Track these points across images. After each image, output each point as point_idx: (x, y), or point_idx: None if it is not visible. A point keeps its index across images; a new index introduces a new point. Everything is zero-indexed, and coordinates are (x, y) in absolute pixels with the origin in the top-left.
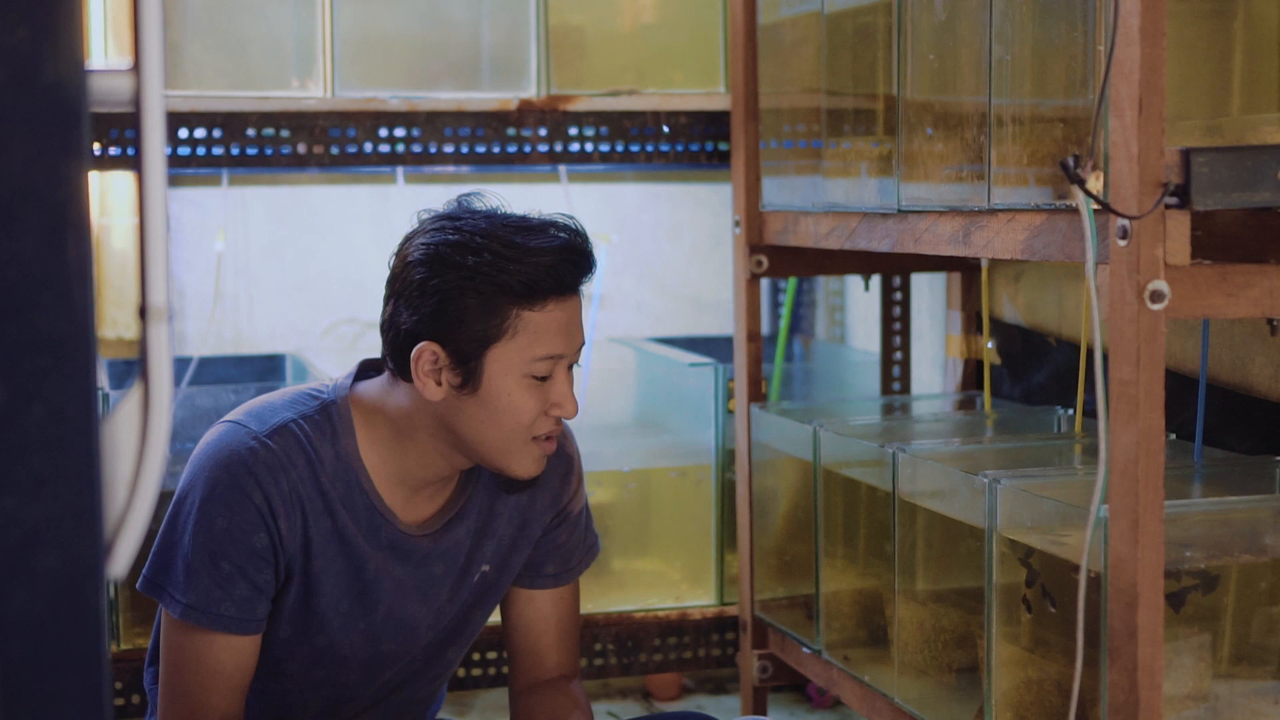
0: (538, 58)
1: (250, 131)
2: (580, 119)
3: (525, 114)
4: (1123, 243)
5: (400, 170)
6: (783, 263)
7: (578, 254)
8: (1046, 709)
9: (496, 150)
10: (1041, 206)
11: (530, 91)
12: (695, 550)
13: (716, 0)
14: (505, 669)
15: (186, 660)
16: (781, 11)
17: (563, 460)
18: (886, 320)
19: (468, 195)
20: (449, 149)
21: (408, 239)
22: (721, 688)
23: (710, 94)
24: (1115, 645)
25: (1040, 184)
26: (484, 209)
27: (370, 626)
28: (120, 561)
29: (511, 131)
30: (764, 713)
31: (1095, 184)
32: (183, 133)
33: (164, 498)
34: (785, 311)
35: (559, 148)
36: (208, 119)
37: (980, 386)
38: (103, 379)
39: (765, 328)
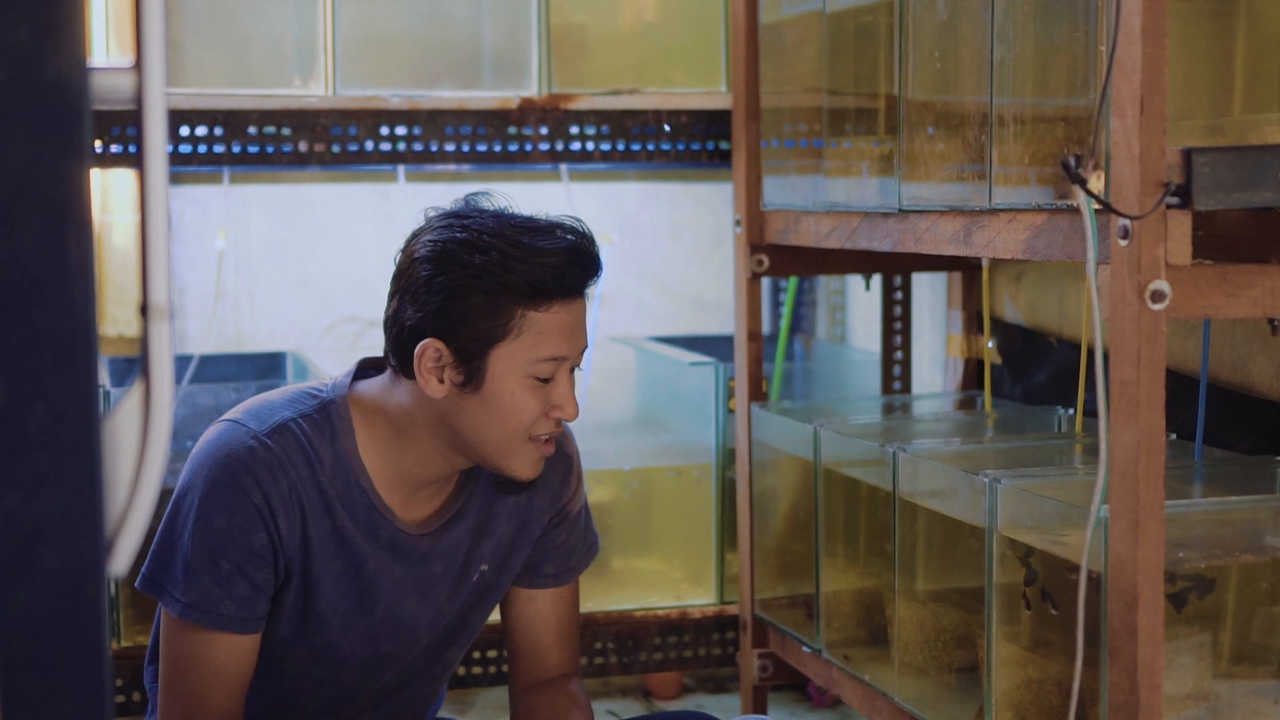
0: (539, 56)
1: (251, 130)
2: (581, 118)
3: (526, 113)
4: (1124, 242)
5: (401, 169)
6: (784, 262)
7: (584, 256)
8: (1046, 709)
9: (498, 149)
10: (1043, 206)
11: (531, 90)
12: (695, 549)
13: None
14: (505, 668)
15: (186, 659)
16: (783, 11)
17: (562, 460)
18: (887, 320)
19: (475, 194)
20: (450, 148)
21: (414, 236)
22: (722, 687)
23: (711, 93)
24: (1115, 645)
25: (1041, 184)
26: (491, 208)
27: (369, 626)
28: (121, 559)
29: (513, 130)
30: (764, 712)
31: (1096, 184)
32: (184, 130)
33: (163, 496)
34: (786, 311)
35: (560, 146)
36: (209, 117)
37: (981, 386)
38: (104, 377)
39: (766, 327)
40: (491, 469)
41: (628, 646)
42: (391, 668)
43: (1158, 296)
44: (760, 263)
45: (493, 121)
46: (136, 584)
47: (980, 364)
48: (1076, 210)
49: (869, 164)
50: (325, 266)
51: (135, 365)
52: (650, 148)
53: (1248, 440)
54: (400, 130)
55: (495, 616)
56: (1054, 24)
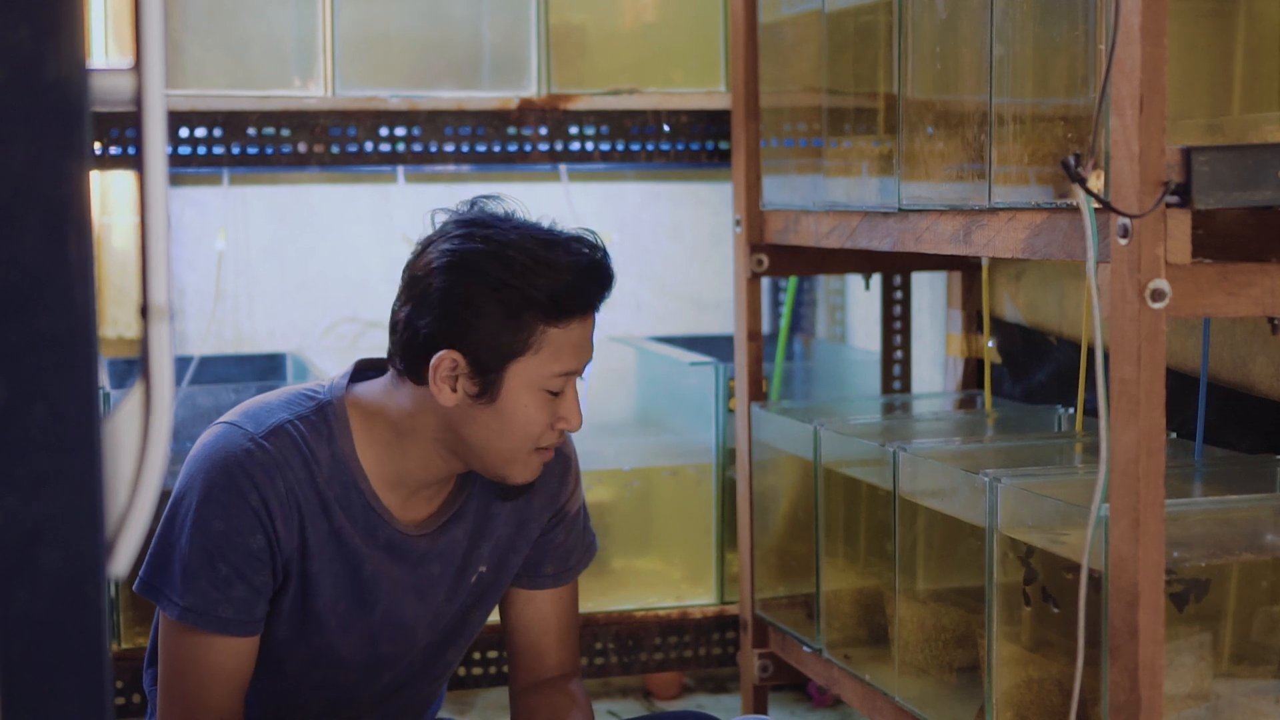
0: (538, 57)
1: (251, 131)
2: (581, 118)
3: (526, 113)
4: (1124, 241)
5: (401, 169)
6: (783, 262)
7: (603, 272)
8: (1047, 708)
9: (497, 149)
10: (1042, 205)
11: (531, 90)
12: (696, 549)
13: None
14: (505, 668)
15: (185, 662)
16: (782, 10)
17: (559, 461)
18: (887, 319)
19: (484, 198)
20: (449, 148)
21: (429, 243)
22: (722, 687)
23: (711, 93)
24: (1116, 644)
25: (1041, 183)
26: (502, 213)
27: (368, 627)
28: (122, 560)
29: (512, 130)
30: (764, 712)
31: (1096, 183)
32: (183, 132)
33: (162, 497)
34: (786, 310)
35: (559, 147)
36: (208, 118)
37: (981, 385)
38: (104, 378)
39: (766, 327)
40: (491, 476)
41: (628, 646)
42: (391, 669)
43: (1158, 295)
44: (760, 262)
45: (492, 122)
46: (134, 588)
47: (980, 363)
48: (1076, 209)
49: (869, 163)
50: (325, 267)
51: (135, 366)
52: (650, 148)
53: (1248, 439)
54: (400, 131)
55: (494, 617)
56: (1053, 23)
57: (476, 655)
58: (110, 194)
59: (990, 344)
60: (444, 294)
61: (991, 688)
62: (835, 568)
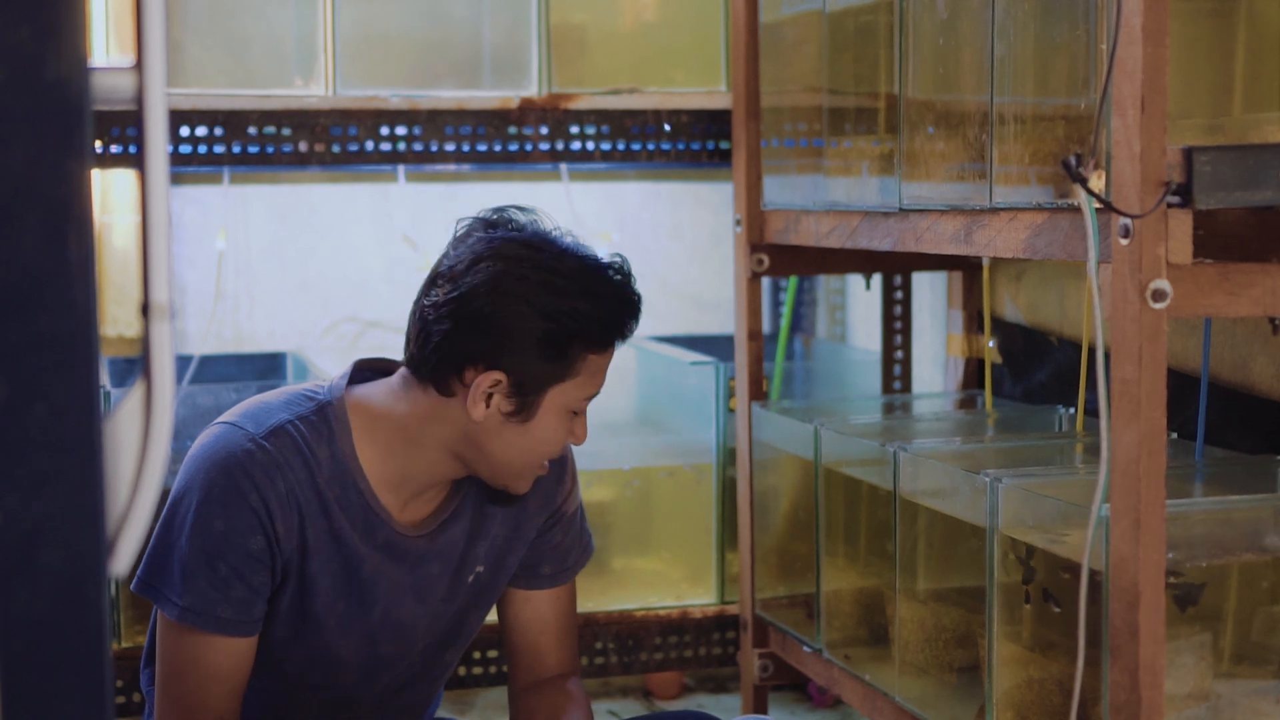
0: (539, 56)
1: (251, 130)
2: (581, 117)
3: (526, 112)
4: (1125, 241)
5: (401, 169)
6: (784, 261)
7: (639, 300)
8: (1048, 708)
9: (498, 149)
10: (1043, 205)
11: (531, 90)
12: (696, 549)
13: None
14: (505, 668)
15: (183, 662)
16: (783, 10)
17: (557, 461)
18: (887, 319)
19: (506, 208)
20: (450, 147)
21: (474, 261)
22: (722, 686)
23: (711, 92)
24: (1117, 644)
25: (1042, 183)
26: (531, 228)
27: (367, 628)
28: (122, 559)
29: (513, 130)
30: (765, 712)
31: (1097, 183)
32: (184, 131)
33: (161, 496)
34: (786, 310)
35: (560, 146)
36: (209, 117)
37: (981, 385)
38: (104, 377)
39: (766, 326)
40: (493, 484)
41: (628, 646)
42: (390, 670)
43: (1159, 295)
44: (760, 262)
45: (493, 121)
46: (132, 587)
47: (981, 363)
48: (1077, 209)
49: (869, 163)
50: (325, 267)
51: (136, 365)
52: (650, 147)
53: (1248, 439)
54: (400, 130)
55: (493, 616)
56: (1054, 23)
57: (476, 655)
58: (111, 193)
59: (991, 344)
60: (492, 317)
61: (992, 688)
62: (835, 567)
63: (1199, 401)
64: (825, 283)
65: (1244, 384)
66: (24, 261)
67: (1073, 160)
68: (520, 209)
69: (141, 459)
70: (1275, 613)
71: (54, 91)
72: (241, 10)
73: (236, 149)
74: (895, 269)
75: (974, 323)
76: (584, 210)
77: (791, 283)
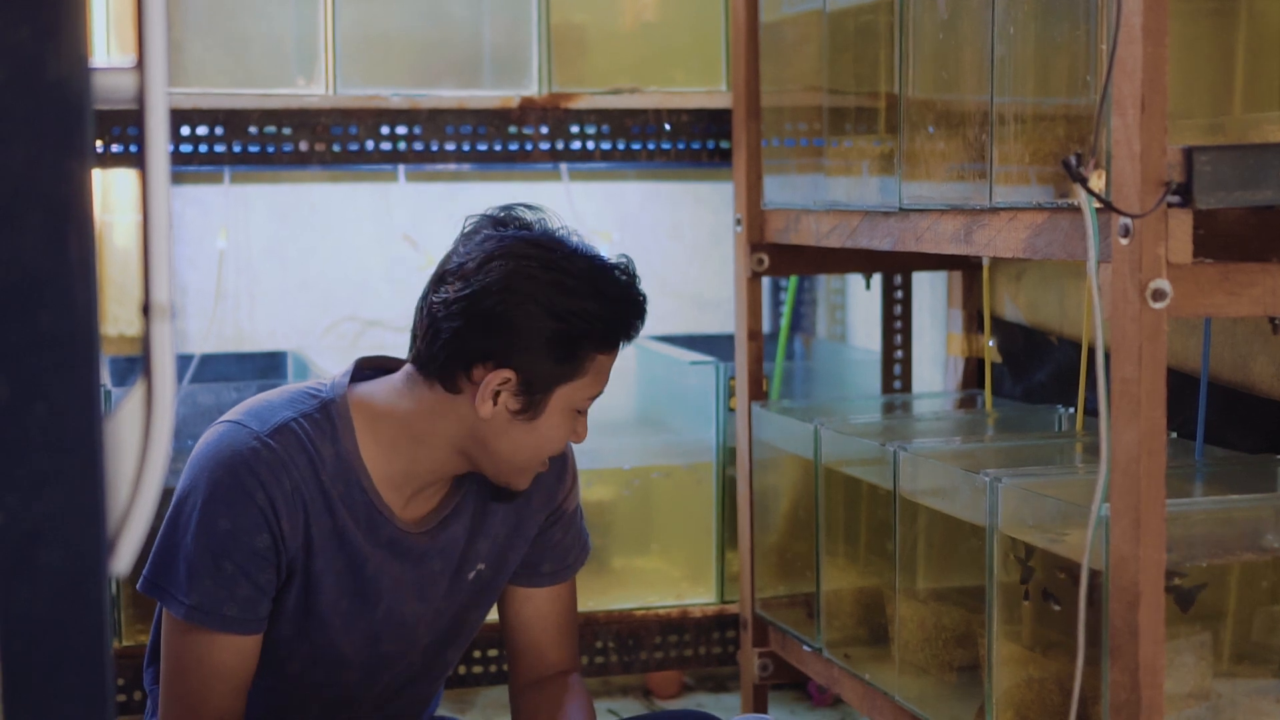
0: (539, 56)
1: (252, 129)
2: (582, 117)
3: (527, 112)
4: (1125, 241)
5: (402, 168)
6: (784, 261)
7: (644, 301)
8: (1047, 707)
9: (498, 148)
10: (1043, 205)
11: (532, 89)
12: (696, 548)
13: None
14: (506, 666)
15: (188, 661)
16: (783, 9)
17: (557, 459)
18: (887, 319)
19: (514, 206)
20: (450, 147)
21: (485, 259)
22: (722, 686)
23: (712, 92)
24: (1117, 644)
25: (1042, 182)
26: (540, 226)
27: (371, 625)
28: (123, 559)
29: (513, 129)
30: (764, 711)
31: (1097, 182)
32: (185, 130)
33: (164, 495)
34: (786, 310)
35: (560, 146)
36: (210, 116)
37: (981, 385)
38: (105, 376)
39: (766, 326)
40: (496, 481)
41: (628, 645)
42: (392, 668)
43: (1159, 295)
44: (760, 262)
45: (493, 121)
46: (138, 586)
47: (981, 363)
48: (1077, 209)
49: (869, 163)
50: (326, 266)
51: (137, 365)
52: (651, 147)
53: (1249, 439)
54: (400, 130)
55: (494, 615)
56: (1055, 23)
57: (476, 654)
58: (112, 192)
59: (991, 343)
60: (503, 315)
61: (992, 687)
62: (835, 567)
63: (1199, 401)
64: (825, 282)
65: (1244, 383)
66: (24, 261)
67: (1073, 160)
68: (528, 207)
69: (142, 458)
70: (1275, 612)
71: (55, 91)
72: (242, 10)
73: (237, 148)
74: (895, 268)
75: (974, 322)
76: (584, 210)
77: (791, 282)
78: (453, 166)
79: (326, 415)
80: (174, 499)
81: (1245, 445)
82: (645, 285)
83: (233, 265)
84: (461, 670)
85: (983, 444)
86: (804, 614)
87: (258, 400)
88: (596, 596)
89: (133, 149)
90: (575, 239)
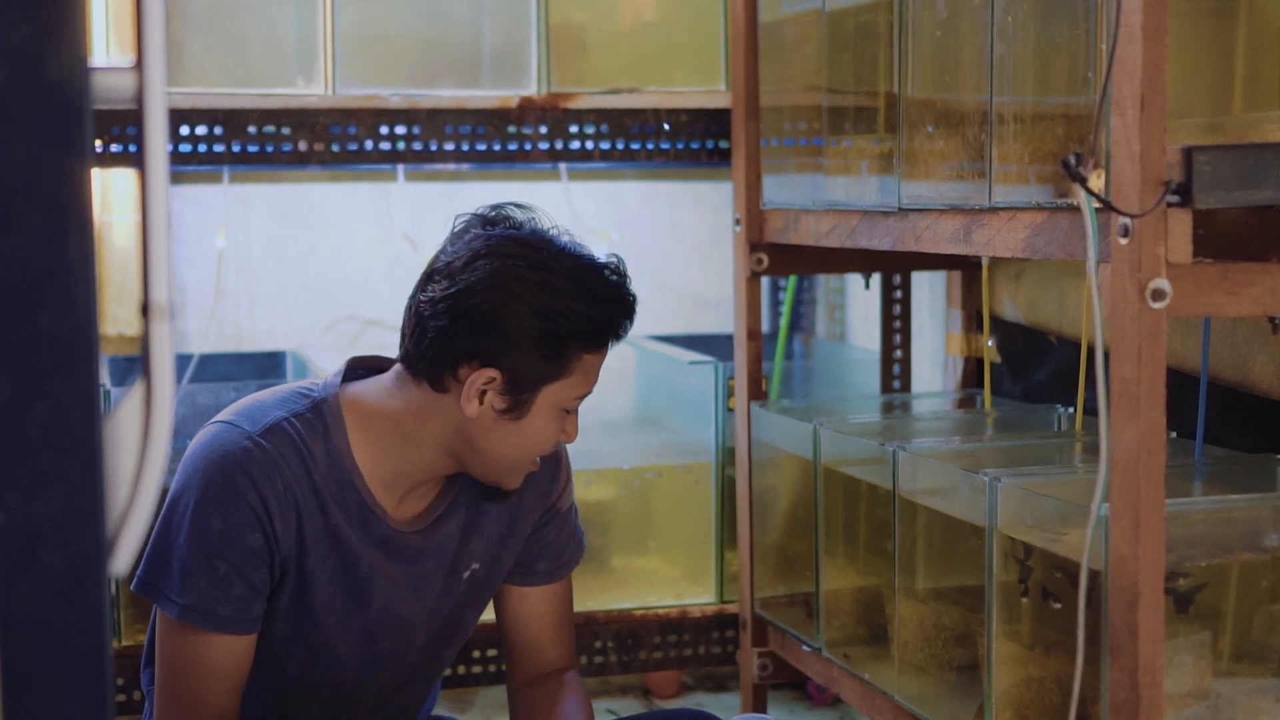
0: (538, 55)
1: (251, 129)
2: (581, 117)
3: (526, 112)
4: (1124, 241)
5: (401, 168)
6: (783, 261)
7: (634, 301)
8: (1047, 707)
9: (497, 148)
10: (1043, 205)
11: (531, 89)
12: (695, 548)
13: None
14: (504, 666)
15: (183, 661)
16: (782, 9)
17: (551, 458)
18: (887, 318)
19: (504, 205)
20: (450, 146)
21: (472, 258)
22: (721, 685)
23: (711, 92)
24: (1116, 643)
25: (1041, 182)
26: (531, 224)
27: (366, 624)
28: (123, 558)
29: (512, 129)
30: (764, 710)
31: (1097, 182)
32: (184, 130)
33: (160, 496)
34: (785, 310)
35: (559, 145)
36: (209, 116)
37: (981, 385)
38: (105, 376)
39: (765, 326)
40: (487, 482)
41: (627, 645)
42: (388, 668)
43: (1158, 295)
44: (760, 261)
45: (492, 120)
46: (132, 587)
47: (980, 362)
48: (1077, 209)
49: (868, 162)
50: (325, 266)
51: (136, 364)
52: (650, 146)
53: (1248, 438)
54: (400, 129)
55: (490, 614)
56: (1054, 22)
57: (475, 654)
58: (111, 192)
59: (990, 343)
60: (489, 314)
61: (991, 686)
62: (835, 567)
63: (1198, 401)
64: (824, 282)
65: (1243, 383)
66: (24, 260)
67: (1072, 159)
68: (518, 206)
69: (141, 458)
70: (1275, 611)
71: (54, 91)
72: (241, 10)
73: (236, 148)
74: (894, 268)
75: (973, 322)
76: (583, 209)
77: (791, 282)
78: (452, 166)
79: (318, 414)
80: (167, 499)
81: (1245, 445)
82: (644, 285)
83: (232, 265)
84: (460, 670)
85: (982, 444)
86: (803, 614)
87: (250, 400)
88: (596, 596)
89: (132, 149)
90: (564, 238)
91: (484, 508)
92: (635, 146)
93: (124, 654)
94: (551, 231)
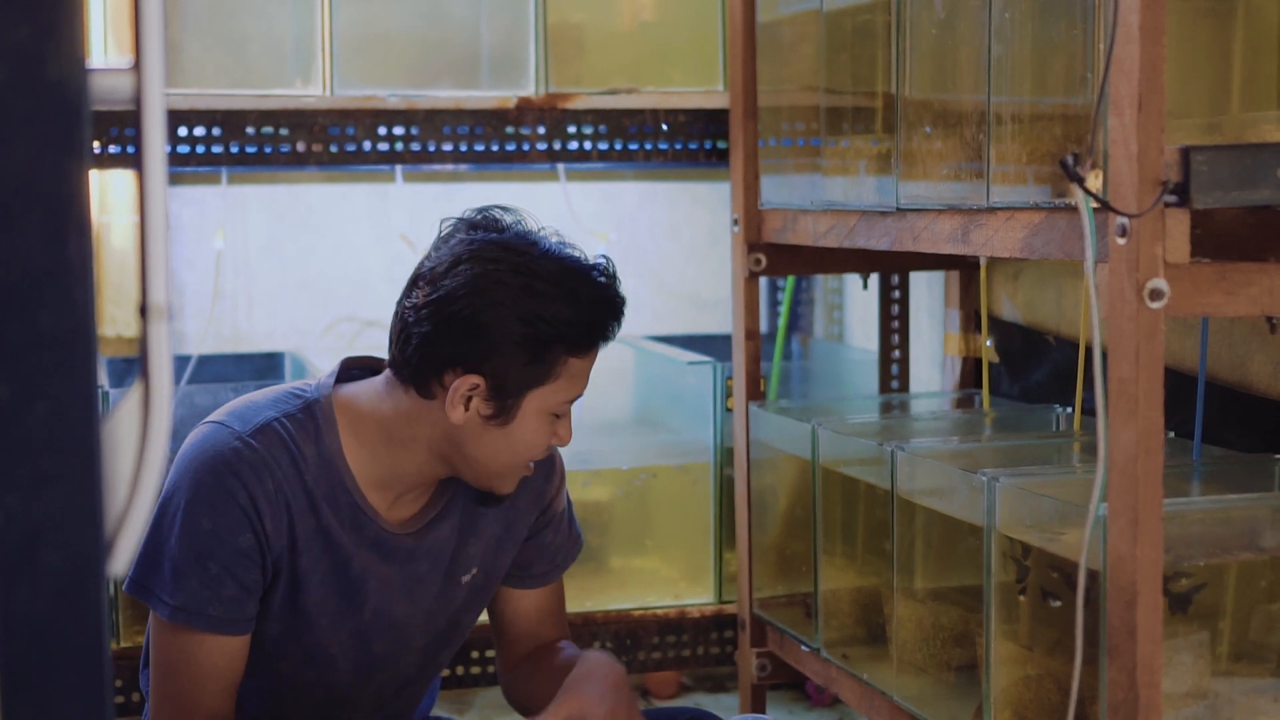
0: (536, 56)
1: (250, 130)
2: (579, 117)
3: (524, 112)
4: (1122, 241)
5: (399, 169)
6: (781, 261)
7: (621, 304)
8: (1045, 706)
9: (495, 149)
10: (1040, 205)
11: (529, 90)
12: (694, 548)
13: None
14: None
15: (176, 661)
16: (780, 9)
17: (544, 460)
18: (885, 318)
19: (491, 208)
20: (448, 147)
21: (454, 263)
22: (720, 686)
23: (709, 92)
24: (1114, 643)
25: (1039, 182)
26: (518, 227)
27: (359, 626)
28: (121, 559)
29: (510, 130)
30: (763, 711)
31: (1094, 182)
32: (182, 131)
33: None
34: (784, 310)
35: (558, 146)
36: (207, 117)
37: (979, 385)
38: (103, 377)
39: (764, 326)
40: (479, 486)
41: (626, 646)
42: (385, 669)
43: (1156, 295)
44: (758, 262)
45: (490, 121)
46: (124, 588)
47: (978, 362)
48: (1074, 209)
49: (867, 163)
50: (323, 266)
51: (134, 365)
52: (648, 147)
53: (1246, 438)
54: (398, 130)
55: (486, 615)
56: (1052, 22)
57: (474, 655)
58: (109, 193)
59: (988, 343)
60: (470, 320)
61: (989, 686)
62: (833, 567)
63: (1196, 400)
64: (823, 282)
65: (1241, 383)
66: (23, 261)
67: (1070, 159)
68: (504, 209)
69: (139, 459)
70: (1273, 611)
71: (53, 92)
72: (239, 10)
73: (234, 149)
74: (893, 268)
75: (971, 322)
76: (582, 210)
77: (789, 282)
78: (450, 167)
79: (310, 415)
80: (158, 500)
81: (1243, 445)
82: (642, 285)
83: (230, 266)
84: (459, 671)
85: (980, 444)
86: (802, 614)
87: (242, 401)
88: (594, 597)
89: (130, 150)
90: (550, 240)
91: (481, 511)
92: (633, 147)
93: (123, 655)
94: (538, 233)
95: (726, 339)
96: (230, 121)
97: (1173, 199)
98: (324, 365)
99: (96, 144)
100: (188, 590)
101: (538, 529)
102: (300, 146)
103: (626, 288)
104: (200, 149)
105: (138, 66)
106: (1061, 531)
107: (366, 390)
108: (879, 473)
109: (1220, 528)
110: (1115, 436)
